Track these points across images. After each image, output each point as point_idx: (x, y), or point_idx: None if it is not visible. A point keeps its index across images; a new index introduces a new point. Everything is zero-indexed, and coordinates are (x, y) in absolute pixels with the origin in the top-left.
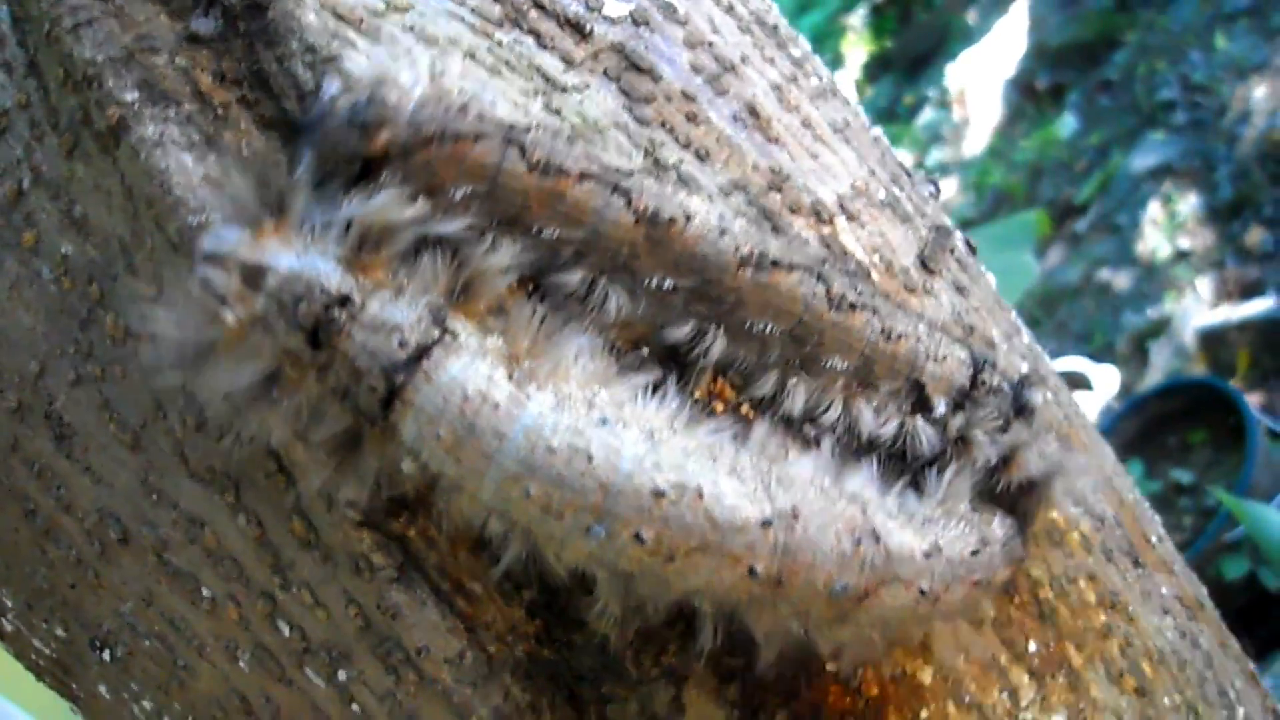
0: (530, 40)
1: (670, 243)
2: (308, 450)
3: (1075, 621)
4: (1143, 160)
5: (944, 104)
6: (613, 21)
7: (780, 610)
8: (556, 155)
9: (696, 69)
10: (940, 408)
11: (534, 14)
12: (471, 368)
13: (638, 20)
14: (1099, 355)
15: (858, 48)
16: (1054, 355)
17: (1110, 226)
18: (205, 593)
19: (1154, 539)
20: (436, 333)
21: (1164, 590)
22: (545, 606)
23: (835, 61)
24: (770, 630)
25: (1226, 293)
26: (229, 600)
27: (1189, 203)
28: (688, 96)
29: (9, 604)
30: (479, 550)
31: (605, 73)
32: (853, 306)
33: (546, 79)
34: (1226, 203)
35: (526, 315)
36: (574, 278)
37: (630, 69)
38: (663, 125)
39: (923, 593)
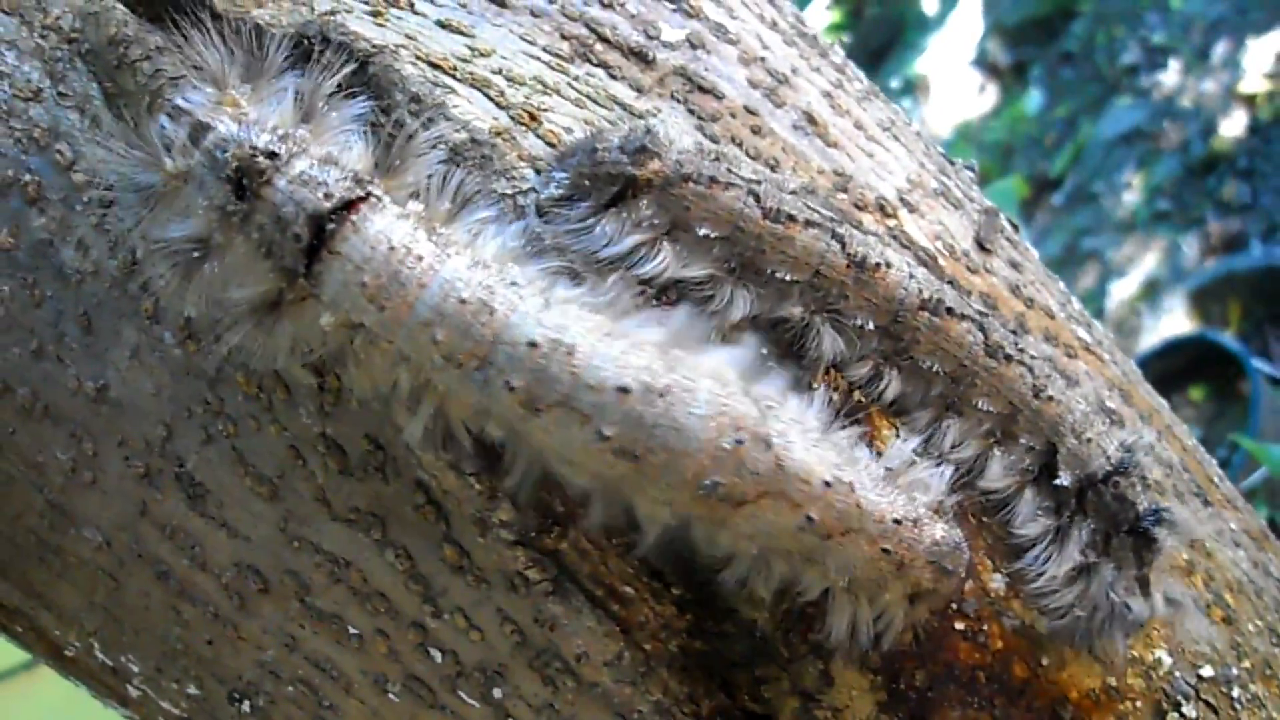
0: (601, 72)
1: (874, 285)
2: (457, 478)
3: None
4: (1112, 127)
5: (909, 92)
6: (672, 46)
7: (650, 493)
8: (785, 204)
9: (754, 84)
10: (1064, 480)
11: (599, 46)
12: (396, 224)
13: (694, 43)
14: None
15: None
16: None
17: (1087, 196)
18: (352, 630)
19: (1215, 479)
20: (361, 191)
21: (1233, 525)
22: (695, 601)
23: None
24: (647, 514)
25: (1211, 248)
26: (377, 635)
27: (1163, 164)
28: (750, 111)
29: (136, 670)
30: (626, 552)
31: (673, 95)
32: (1008, 358)
33: (624, 107)
34: (1200, 159)
35: (444, 193)
36: (795, 313)
37: (695, 90)
38: (732, 140)
39: (809, 520)
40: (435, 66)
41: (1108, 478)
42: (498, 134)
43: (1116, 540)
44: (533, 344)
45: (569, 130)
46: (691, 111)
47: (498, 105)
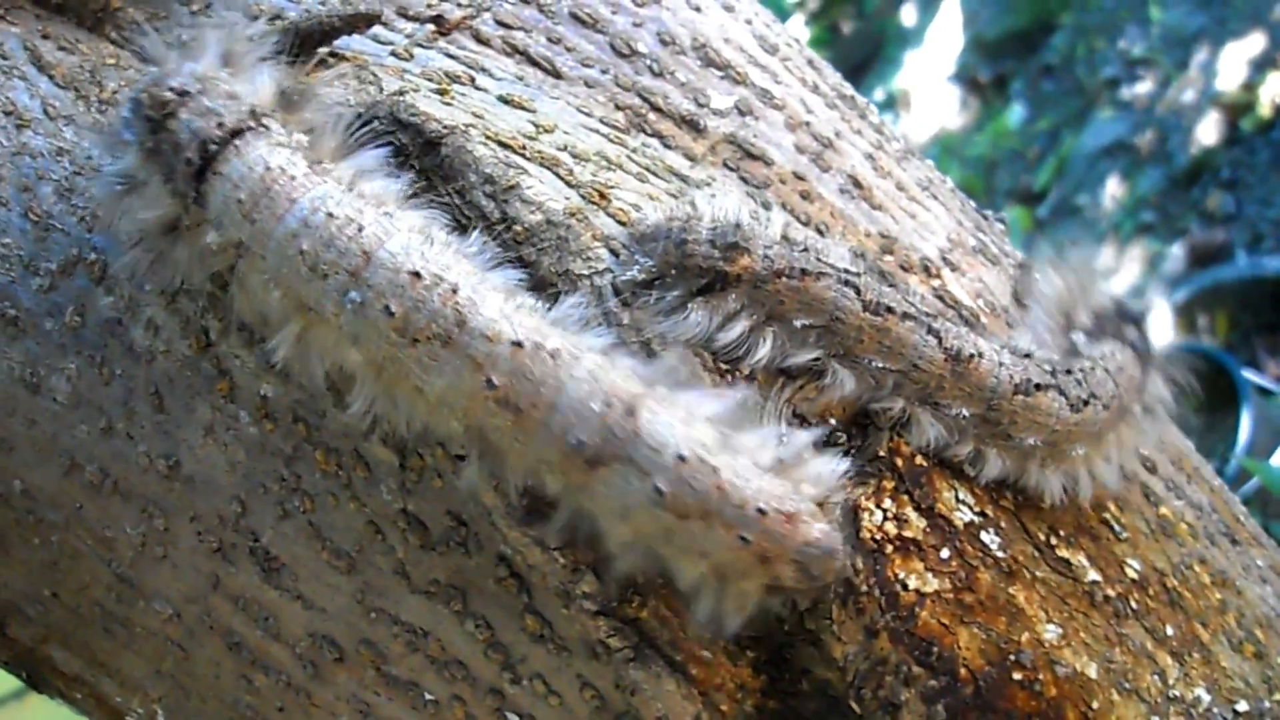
0: (656, 142)
1: (969, 376)
2: (543, 553)
3: (1198, 602)
4: (1094, 140)
5: (890, 106)
6: (721, 114)
7: (527, 450)
8: (883, 295)
9: (801, 149)
10: None
11: (653, 116)
12: (277, 150)
13: (742, 110)
14: None
15: None
16: None
17: (1072, 209)
18: (428, 696)
19: (1241, 516)
20: (252, 122)
21: (1259, 561)
22: (770, 661)
23: None
24: (526, 470)
25: (1196, 259)
26: (454, 700)
27: (1146, 175)
28: (799, 176)
29: None
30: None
31: (725, 164)
32: (1085, 403)
33: (680, 178)
34: (1183, 171)
35: (338, 132)
36: (896, 406)
37: (745, 157)
38: (783, 206)
39: (658, 490)
40: (505, 145)
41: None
42: (571, 214)
43: None
44: (416, 274)
45: (636, 207)
46: (743, 179)
47: (568, 184)
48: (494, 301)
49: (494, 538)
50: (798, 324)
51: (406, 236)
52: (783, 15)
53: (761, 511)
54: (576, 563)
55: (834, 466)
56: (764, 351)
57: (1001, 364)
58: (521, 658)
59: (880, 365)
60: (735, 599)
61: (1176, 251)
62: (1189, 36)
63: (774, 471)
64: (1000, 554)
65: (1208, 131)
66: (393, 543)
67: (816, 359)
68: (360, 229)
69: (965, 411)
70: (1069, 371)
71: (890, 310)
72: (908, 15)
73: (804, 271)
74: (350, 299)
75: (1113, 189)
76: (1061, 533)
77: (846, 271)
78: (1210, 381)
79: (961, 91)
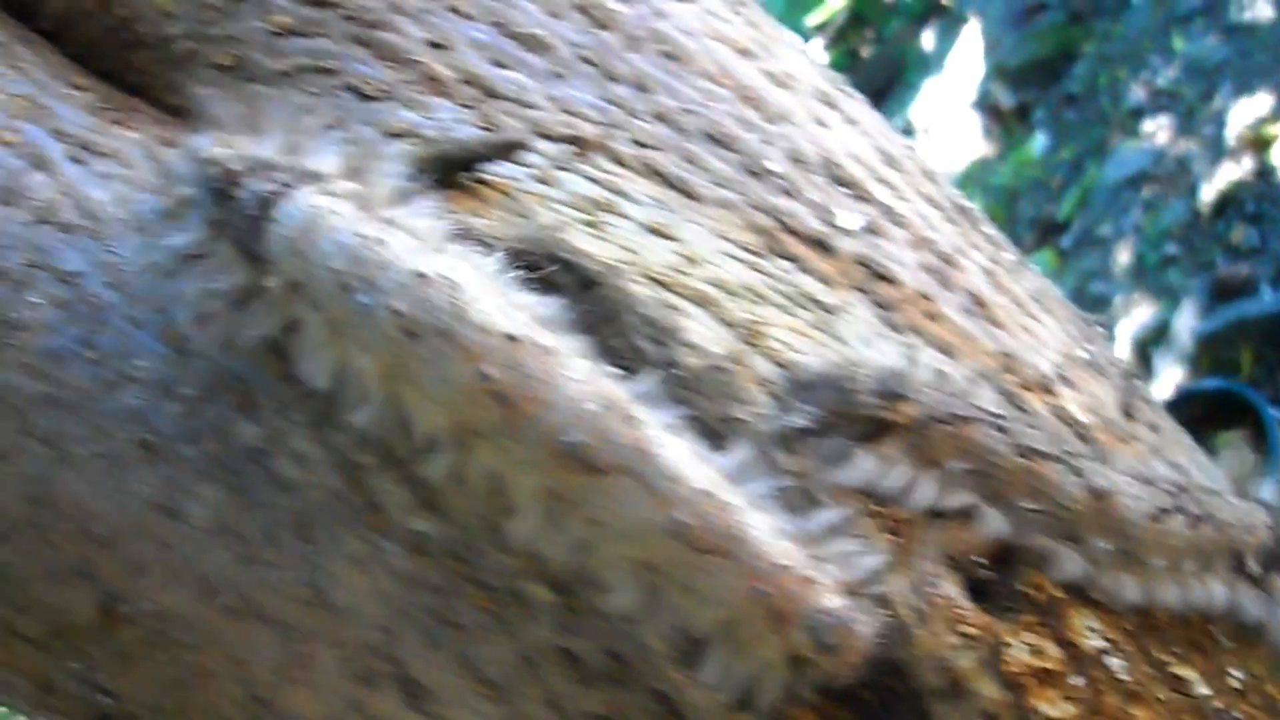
0: (792, 266)
1: (1109, 512)
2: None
3: None
4: (1118, 170)
5: (910, 134)
6: (849, 233)
7: (516, 449)
8: (1030, 439)
9: (925, 267)
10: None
11: (786, 238)
12: (324, 195)
13: (870, 229)
14: None
15: None
16: None
17: (1095, 240)
18: None
19: None
20: (309, 179)
21: None
22: None
23: None
24: (513, 482)
25: (1220, 293)
26: None
27: (1171, 208)
28: (925, 296)
29: None
30: None
31: (855, 286)
32: (1199, 519)
33: (819, 304)
34: (1208, 203)
35: (390, 179)
36: (1039, 542)
37: (875, 278)
38: (911, 329)
39: (674, 521)
40: (659, 283)
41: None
42: (730, 357)
43: None
44: (420, 275)
45: (789, 346)
46: (875, 302)
47: (722, 323)
48: (497, 303)
49: (652, 674)
50: (953, 469)
51: (419, 245)
52: (803, 39)
53: (779, 566)
54: (735, 703)
55: (868, 556)
56: (924, 496)
57: (1136, 496)
58: None
59: (1028, 506)
60: (753, 665)
61: (1201, 284)
62: (1212, 68)
63: (798, 537)
64: (1125, 677)
65: (1233, 165)
66: (545, 676)
67: (969, 502)
68: (384, 244)
69: (1104, 545)
70: (1185, 489)
71: (1039, 454)
72: (928, 41)
73: (959, 417)
74: (361, 301)
75: (1137, 220)
76: (1176, 650)
77: (995, 415)
78: (1239, 418)
79: (984, 119)
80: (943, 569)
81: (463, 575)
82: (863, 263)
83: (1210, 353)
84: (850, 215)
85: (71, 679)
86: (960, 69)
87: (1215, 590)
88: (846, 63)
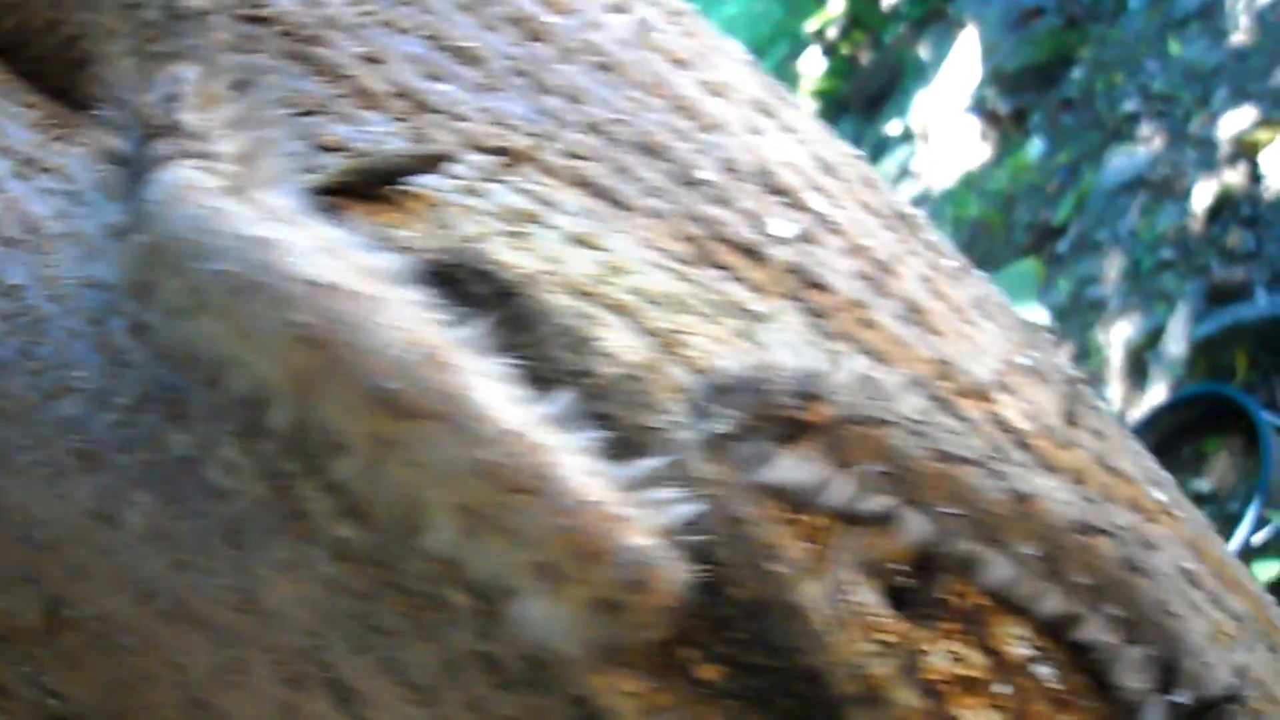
0: (721, 275)
1: (1033, 517)
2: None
3: None
4: (1113, 175)
5: (908, 139)
6: (782, 241)
7: (331, 391)
8: (949, 444)
9: (860, 275)
10: (1182, 699)
11: (717, 247)
12: (201, 169)
13: (802, 237)
14: (1096, 373)
15: (811, 93)
16: None
17: (1091, 244)
18: None
19: (1277, 621)
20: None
21: None
22: None
23: None
24: (333, 424)
25: (1215, 297)
26: None
27: (1166, 212)
28: (858, 304)
29: None
30: None
31: (786, 294)
32: (1141, 572)
33: (746, 312)
34: (1203, 208)
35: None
36: (962, 548)
37: (807, 286)
38: (844, 336)
39: (482, 461)
40: (578, 292)
41: (1220, 703)
42: (645, 366)
43: None
44: (244, 237)
45: (708, 353)
46: (807, 310)
47: (640, 332)
48: (315, 247)
49: (570, 679)
50: (870, 471)
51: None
52: (800, 46)
53: (585, 504)
54: (652, 705)
55: (692, 507)
56: (839, 495)
57: (1064, 502)
58: None
59: (947, 510)
60: (562, 607)
61: (1196, 288)
62: (1208, 73)
63: (613, 482)
64: (1055, 685)
65: (1227, 169)
66: (468, 681)
67: (886, 506)
68: (222, 212)
69: (1028, 550)
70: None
71: (956, 458)
72: (926, 47)
73: (876, 420)
74: (200, 268)
75: (1133, 224)
76: None
77: (913, 420)
78: (1233, 422)
79: (981, 124)
80: (860, 576)
81: (384, 580)
82: (795, 270)
83: (1205, 357)
84: (783, 223)
85: (23, 682)
86: (957, 74)
87: (1124, 668)
88: (844, 69)
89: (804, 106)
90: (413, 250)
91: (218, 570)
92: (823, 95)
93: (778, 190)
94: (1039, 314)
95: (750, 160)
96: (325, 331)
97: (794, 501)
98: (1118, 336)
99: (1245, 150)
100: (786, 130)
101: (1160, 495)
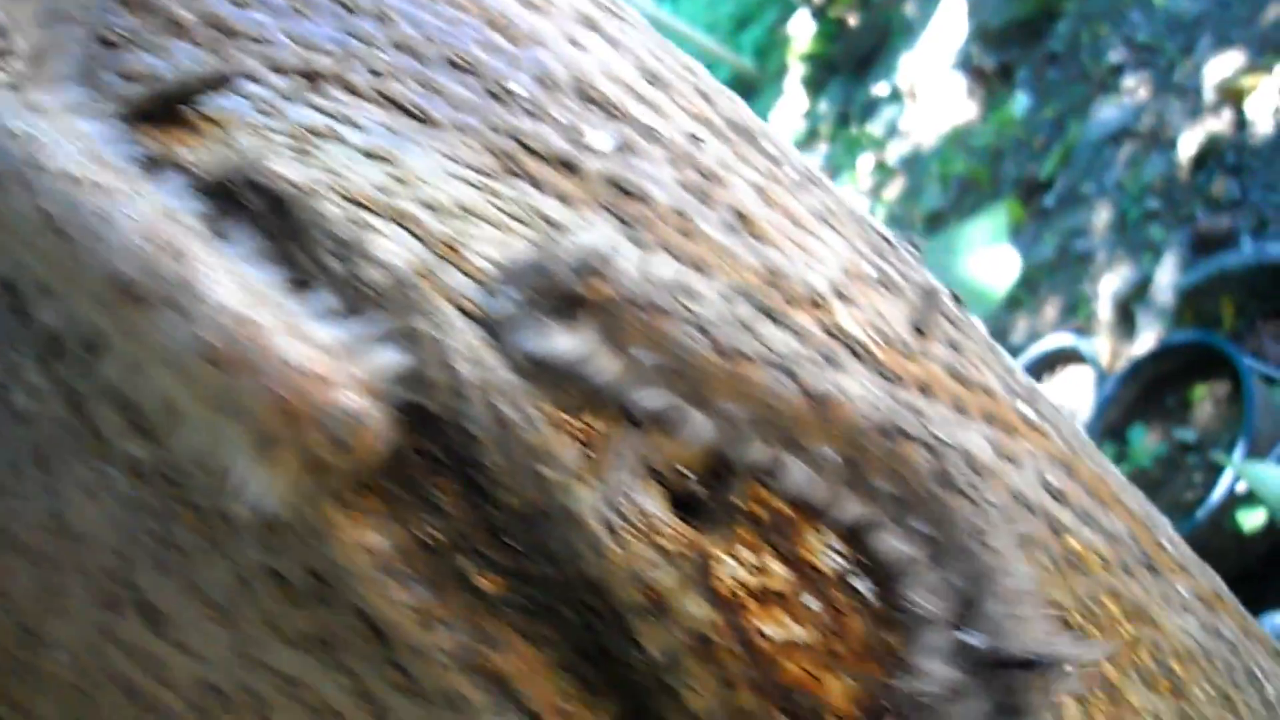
0: (527, 186)
1: (833, 419)
2: (394, 608)
3: (1106, 638)
4: (1099, 127)
5: (896, 98)
6: (599, 153)
7: (76, 280)
8: (733, 339)
9: (683, 185)
10: (973, 640)
11: (526, 159)
12: None
13: (621, 147)
14: (1084, 325)
15: (801, 56)
16: (1041, 334)
17: (1078, 197)
18: None
19: (1166, 543)
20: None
21: (1182, 590)
22: (631, 714)
23: (781, 72)
24: (83, 310)
25: (1201, 245)
26: None
27: (1152, 162)
28: (680, 214)
29: None
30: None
31: (601, 204)
32: (959, 491)
33: (550, 223)
34: (1189, 157)
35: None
36: (757, 451)
37: (623, 196)
38: (662, 245)
39: (199, 339)
40: (357, 203)
41: (1015, 666)
42: (419, 272)
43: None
44: (11, 134)
45: (490, 258)
46: (620, 219)
47: (418, 239)
48: (74, 150)
49: (352, 592)
50: (647, 359)
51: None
52: (789, 10)
53: (296, 369)
54: (430, 617)
55: (392, 360)
56: (605, 376)
57: (875, 406)
58: (389, 708)
59: (734, 410)
60: (274, 471)
61: (1182, 237)
62: (1191, 21)
63: (328, 351)
64: (877, 601)
65: (1212, 117)
66: (260, 596)
67: (666, 404)
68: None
69: (831, 453)
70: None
71: (741, 354)
72: (911, 7)
73: (658, 308)
74: None
75: (1119, 176)
76: None
77: (698, 313)
78: (1218, 370)
79: (967, 81)
80: (640, 480)
81: (175, 497)
82: (612, 181)
83: (1192, 306)
84: (601, 135)
85: None
86: (943, 32)
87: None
88: (834, 31)
89: (636, 19)
90: (192, 165)
91: (30, 494)
92: (813, 59)
93: (597, 102)
94: (1009, 253)
95: (567, 74)
96: (68, 220)
97: (560, 382)
98: (1106, 288)
99: (1230, 97)
100: (610, 43)
101: (1026, 410)
